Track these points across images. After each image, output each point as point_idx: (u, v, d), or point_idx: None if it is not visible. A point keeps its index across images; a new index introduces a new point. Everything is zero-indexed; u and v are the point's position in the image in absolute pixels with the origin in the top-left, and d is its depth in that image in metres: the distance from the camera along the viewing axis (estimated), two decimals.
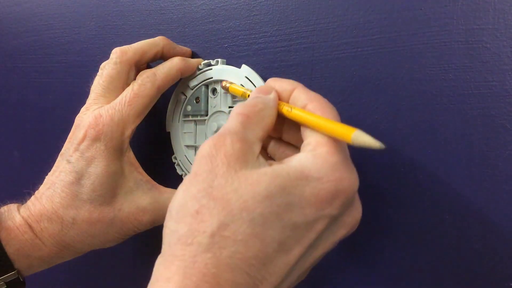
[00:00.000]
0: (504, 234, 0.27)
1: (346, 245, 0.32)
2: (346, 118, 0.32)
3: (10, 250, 0.31)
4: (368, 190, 0.31)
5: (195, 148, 0.37)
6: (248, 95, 0.30)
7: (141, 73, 0.34)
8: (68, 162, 0.32)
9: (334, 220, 0.23)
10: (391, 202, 0.30)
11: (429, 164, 0.29)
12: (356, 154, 0.31)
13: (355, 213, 0.25)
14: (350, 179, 0.23)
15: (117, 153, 0.32)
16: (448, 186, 0.29)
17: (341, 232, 0.24)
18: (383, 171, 0.30)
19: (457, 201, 0.28)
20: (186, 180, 0.23)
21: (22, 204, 0.33)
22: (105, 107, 0.32)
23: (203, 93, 0.36)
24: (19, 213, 0.32)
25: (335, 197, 0.22)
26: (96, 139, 0.32)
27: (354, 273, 0.32)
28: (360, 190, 0.30)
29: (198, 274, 0.20)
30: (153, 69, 0.34)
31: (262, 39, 0.35)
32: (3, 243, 0.30)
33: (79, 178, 0.31)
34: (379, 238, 0.31)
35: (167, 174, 0.38)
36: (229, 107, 0.35)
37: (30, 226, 0.31)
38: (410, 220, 0.30)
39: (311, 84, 0.33)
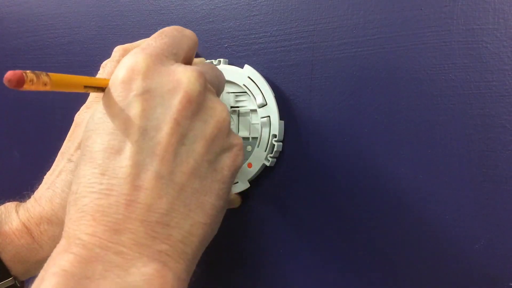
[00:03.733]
0: (504, 234, 0.27)
1: (346, 245, 0.32)
2: (346, 118, 0.32)
3: (6, 257, 0.30)
4: (367, 190, 0.31)
5: None
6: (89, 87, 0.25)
7: None
8: (69, 161, 0.32)
9: (155, 97, 0.23)
10: (391, 202, 0.30)
11: (429, 164, 0.29)
12: (357, 154, 0.31)
13: (212, 106, 0.25)
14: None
15: None
16: (448, 186, 0.29)
17: (204, 124, 0.24)
18: (383, 171, 0.30)
19: (457, 201, 0.28)
20: None
21: (21, 202, 0.33)
22: None
23: None
24: (18, 215, 0.31)
25: (131, 77, 0.23)
26: None
27: (354, 273, 0.32)
28: (359, 190, 0.30)
29: None
30: None
31: (262, 39, 0.35)
32: None
33: None
34: (378, 238, 0.31)
35: None
36: (231, 107, 0.35)
37: (28, 230, 0.31)
38: (410, 220, 0.30)
39: (311, 84, 0.33)
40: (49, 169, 0.33)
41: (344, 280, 0.32)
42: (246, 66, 0.34)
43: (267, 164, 0.33)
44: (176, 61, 0.25)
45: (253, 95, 0.33)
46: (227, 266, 0.37)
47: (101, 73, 0.34)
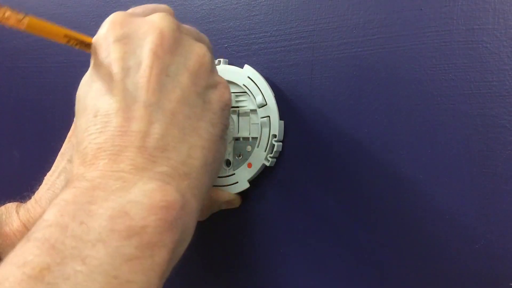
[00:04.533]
0: (504, 234, 0.27)
1: (346, 245, 0.32)
2: (346, 118, 0.32)
3: None
4: (367, 190, 0.31)
5: None
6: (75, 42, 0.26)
7: None
8: (70, 161, 0.32)
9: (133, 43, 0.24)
10: (391, 202, 0.30)
11: (429, 164, 0.29)
12: (357, 154, 0.31)
13: (189, 43, 0.26)
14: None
15: None
16: (448, 186, 0.29)
17: (185, 59, 0.25)
18: (383, 171, 0.30)
19: (457, 201, 0.28)
20: None
21: (22, 203, 0.33)
22: None
23: None
24: (18, 216, 0.31)
25: (109, 28, 0.25)
26: None
27: (354, 273, 0.32)
28: (359, 190, 0.30)
29: None
30: None
31: (262, 39, 0.35)
32: (0, 250, 0.30)
33: None
34: (377, 238, 0.31)
35: None
36: (232, 107, 0.35)
37: (29, 231, 0.31)
38: (410, 220, 0.30)
39: (311, 84, 0.33)
40: (49, 170, 0.33)
41: (344, 279, 0.32)
42: (246, 66, 0.34)
43: (267, 164, 0.33)
44: None
45: (253, 95, 0.33)
46: (227, 265, 0.37)
47: None
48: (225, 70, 0.35)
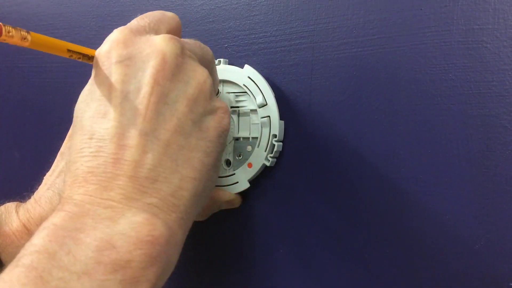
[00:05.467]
0: (504, 234, 0.27)
1: (346, 244, 0.32)
2: (346, 118, 0.32)
3: (6, 257, 0.30)
4: (367, 190, 0.31)
5: None
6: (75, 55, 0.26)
7: None
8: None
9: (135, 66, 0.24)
10: (391, 202, 0.30)
11: (429, 164, 0.29)
12: (357, 154, 0.31)
13: (192, 68, 0.26)
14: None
15: None
16: (448, 186, 0.29)
17: (185, 85, 0.25)
18: (383, 171, 0.30)
19: (457, 201, 0.28)
20: None
21: (21, 202, 0.33)
22: None
23: None
24: (18, 216, 0.31)
25: (112, 47, 0.25)
26: None
27: (354, 273, 0.32)
28: (359, 190, 0.30)
29: None
30: None
31: (262, 39, 0.35)
32: None
33: None
34: (378, 237, 0.31)
35: None
36: (232, 107, 0.35)
37: (29, 231, 0.31)
38: (410, 220, 0.30)
39: (311, 84, 0.33)
40: (49, 170, 0.33)
41: (344, 279, 0.32)
42: (246, 66, 0.34)
43: (267, 164, 0.33)
44: (157, 33, 0.27)
45: (253, 95, 0.33)
46: (227, 265, 0.37)
47: None
48: (225, 70, 0.35)
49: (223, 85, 0.35)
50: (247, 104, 0.34)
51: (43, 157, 0.34)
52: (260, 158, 0.33)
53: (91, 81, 0.25)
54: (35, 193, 0.33)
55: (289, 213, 0.34)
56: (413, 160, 0.30)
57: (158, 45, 0.25)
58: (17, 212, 0.32)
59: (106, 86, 0.24)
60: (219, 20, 0.37)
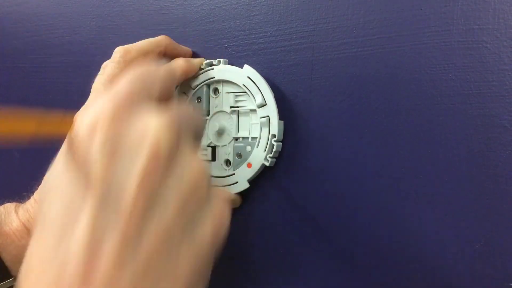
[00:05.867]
0: (504, 234, 0.27)
1: (346, 244, 0.32)
2: (346, 118, 0.32)
3: (7, 257, 0.30)
4: (367, 190, 0.31)
5: None
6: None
7: None
8: None
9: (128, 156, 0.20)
10: (391, 202, 0.30)
11: (429, 164, 0.29)
12: (356, 155, 0.31)
13: (186, 159, 0.22)
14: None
15: None
16: (448, 186, 0.29)
17: (178, 181, 0.21)
18: (383, 171, 0.30)
19: (457, 201, 0.28)
20: None
21: (21, 203, 0.33)
22: None
23: (204, 93, 0.36)
24: (18, 216, 0.31)
25: (95, 127, 0.20)
26: None
27: (355, 272, 0.32)
28: (359, 190, 0.30)
29: None
30: None
31: (262, 39, 0.35)
32: (0, 250, 0.30)
33: None
34: (378, 237, 0.31)
35: None
36: (231, 107, 0.35)
37: (29, 231, 0.31)
38: (410, 220, 0.30)
39: (311, 84, 0.33)
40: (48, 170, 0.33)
41: (344, 279, 0.32)
42: (246, 66, 0.34)
43: (267, 164, 0.33)
44: (150, 100, 0.23)
45: (252, 95, 0.33)
46: (226, 265, 0.37)
47: (102, 74, 0.34)
48: (225, 70, 0.35)
49: (223, 85, 0.35)
50: (247, 104, 0.34)
51: (43, 157, 0.33)
52: (259, 158, 0.33)
53: (63, 160, 0.21)
54: (35, 193, 0.33)
55: (289, 213, 0.34)
56: (413, 160, 0.29)
57: (153, 131, 0.20)
58: (16, 212, 0.32)
59: (82, 178, 0.20)
60: (219, 20, 0.37)
